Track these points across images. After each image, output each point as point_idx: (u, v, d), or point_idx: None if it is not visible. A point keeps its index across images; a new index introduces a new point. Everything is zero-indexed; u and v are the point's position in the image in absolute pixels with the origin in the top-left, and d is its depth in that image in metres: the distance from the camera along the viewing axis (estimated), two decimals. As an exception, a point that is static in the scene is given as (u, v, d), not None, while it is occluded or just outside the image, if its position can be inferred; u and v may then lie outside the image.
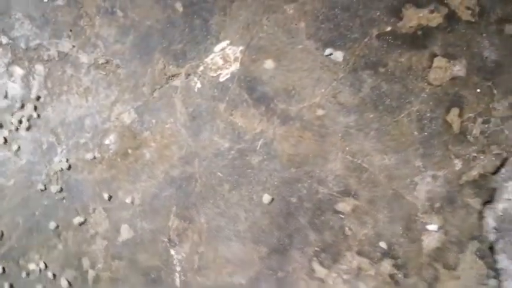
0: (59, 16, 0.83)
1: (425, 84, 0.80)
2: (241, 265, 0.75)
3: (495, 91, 0.82)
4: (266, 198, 0.76)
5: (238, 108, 0.79)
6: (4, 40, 0.78)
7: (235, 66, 0.81)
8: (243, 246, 0.75)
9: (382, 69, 0.80)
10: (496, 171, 0.80)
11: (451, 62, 0.82)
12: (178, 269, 0.76)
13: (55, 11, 0.82)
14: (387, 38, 0.81)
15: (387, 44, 0.81)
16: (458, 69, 0.82)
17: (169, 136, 0.79)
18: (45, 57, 0.81)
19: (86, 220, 0.73)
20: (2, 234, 0.72)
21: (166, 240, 0.74)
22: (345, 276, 0.76)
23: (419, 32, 0.82)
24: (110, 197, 0.74)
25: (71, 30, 0.81)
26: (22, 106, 0.78)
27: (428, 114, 0.79)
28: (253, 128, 0.78)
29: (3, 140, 0.74)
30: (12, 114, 0.76)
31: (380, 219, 0.76)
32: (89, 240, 0.74)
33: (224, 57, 0.82)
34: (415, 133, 0.79)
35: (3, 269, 0.72)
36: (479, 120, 0.81)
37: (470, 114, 0.81)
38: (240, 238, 0.75)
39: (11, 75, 0.77)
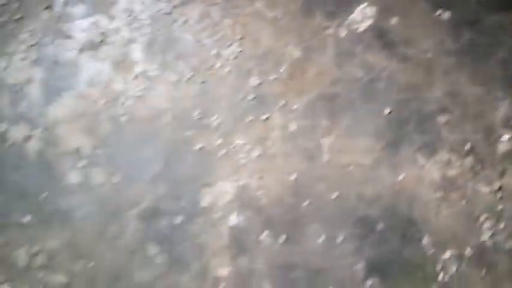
0: None
1: (509, 37, 1.07)
2: (366, 152, 1.11)
3: None
4: (386, 111, 1.11)
5: (370, 50, 1.12)
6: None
7: (370, 21, 1.14)
8: (368, 140, 1.11)
9: (477, 26, 1.09)
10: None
11: None
12: (325, 150, 1.16)
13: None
14: (484, 3, 1.09)
15: (483, 7, 1.09)
16: None
17: (322, 67, 1.15)
18: (246, 12, 1.23)
19: (268, 116, 1.16)
20: (217, 117, 1.18)
21: (318, 133, 1.13)
22: (437, 166, 1.09)
23: None
24: (284, 104, 1.15)
25: None
26: (230, 45, 1.22)
27: (510, 60, 1.07)
28: (380, 64, 1.12)
29: (220, 65, 1.19)
30: (225, 50, 1.21)
31: (467, 129, 1.06)
32: (268, 130, 1.17)
33: (363, 15, 1.15)
34: (499, 73, 1.08)
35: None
36: None
37: None
38: (367, 136, 1.11)
39: (224, 25, 1.22)
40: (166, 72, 1.17)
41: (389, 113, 1.06)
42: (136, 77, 1.18)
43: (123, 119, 1.17)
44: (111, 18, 1.20)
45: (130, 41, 1.19)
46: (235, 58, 1.14)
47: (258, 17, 1.13)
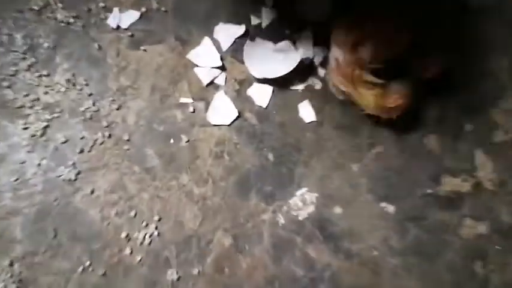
0: (181, 155, 1.09)
1: (457, 238, 1.04)
2: None
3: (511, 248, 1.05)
4: (330, 320, 0.95)
5: (311, 243, 1.01)
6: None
7: (311, 209, 1.04)
8: None
9: (423, 223, 1.04)
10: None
11: (477, 222, 1.06)
12: None
13: (178, 152, 1.08)
14: (428, 199, 1.06)
15: (428, 203, 1.06)
16: (483, 228, 1.06)
17: (256, 260, 1.00)
18: (168, 186, 1.06)
19: None
20: None
21: None
22: None
23: (453, 196, 1.07)
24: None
25: (189, 168, 1.07)
26: (144, 226, 1.02)
27: (459, 263, 1.02)
28: (322, 261, 1.00)
29: (129, 252, 0.97)
30: (138, 232, 1.01)
31: None
32: None
33: (303, 201, 1.05)
34: (448, 277, 1.01)
35: None
36: (499, 271, 1.03)
37: (492, 267, 1.03)
38: None
39: (141, 200, 1.03)
40: (55, 257, 0.92)
41: (334, 324, 0.91)
42: (11, 262, 0.91)
43: (-16, 323, 0.87)
44: (-8, 179, 0.95)
45: (12, 212, 0.94)
46: (150, 243, 0.94)
47: (182, 193, 0.97)
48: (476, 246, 0.96)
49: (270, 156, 0.99)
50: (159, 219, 0.94)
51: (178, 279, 0.91)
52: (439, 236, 0.96)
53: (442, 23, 1.02)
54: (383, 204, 0.97)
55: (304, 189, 0.98)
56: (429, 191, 0.98)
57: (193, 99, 1.02)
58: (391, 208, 0.97)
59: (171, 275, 0.91)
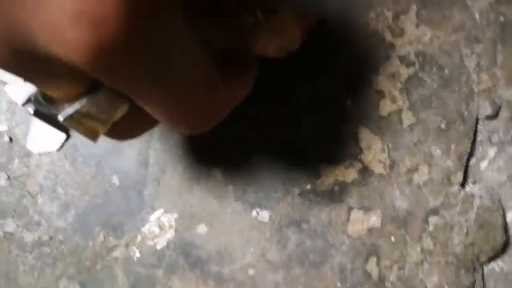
0: (2, 197, 0.95)
1: (345, 237, 0.94)
2: None
3: (408, 238, 0.96)
4: None
5: (175, 274, 0.90)
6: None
7: (170, 234, 0.92)
8: None
9: (305, 226, 0.93)
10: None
11: (367, 214, 0.96)
12: None
13: (-1, 193, 0.93)
14: (308, 196, 0.95)
15: (308, 201, 0.95)
16: (374, 219, 0.96)
17: None
18: (-8, 238, 0.92)
19: None
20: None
21: None
22: None
23: (336, 188, 0.96)
24: None
25: (14, 211, 0.93)
26: None
27: (349, 266, 0.93)
28: None
29: None
30: None
31: None
32: None
33: (160, 226, 0.93)
34: (338, 284, 0.92)
35: None
36: (395, 267, 0.95)
37: (387, 262, 0.95)
38: None
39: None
40: None
41: None
42: None
43: None
44: None
45: None
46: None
47: (11, 243, 0.84)
48: (367, 242, 0.86)
49: (115, 180, 0.85)
50: (-15, 281, 0.81)
51: None
52: (325, 239, 0.86)
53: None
54: (254, 213, 0.85)
55: (159, 212, 0.85)
56: (308, 187, 0.87)
57: (8, 125, 0.86)
58: (265, 215, 0.86)
59: None
